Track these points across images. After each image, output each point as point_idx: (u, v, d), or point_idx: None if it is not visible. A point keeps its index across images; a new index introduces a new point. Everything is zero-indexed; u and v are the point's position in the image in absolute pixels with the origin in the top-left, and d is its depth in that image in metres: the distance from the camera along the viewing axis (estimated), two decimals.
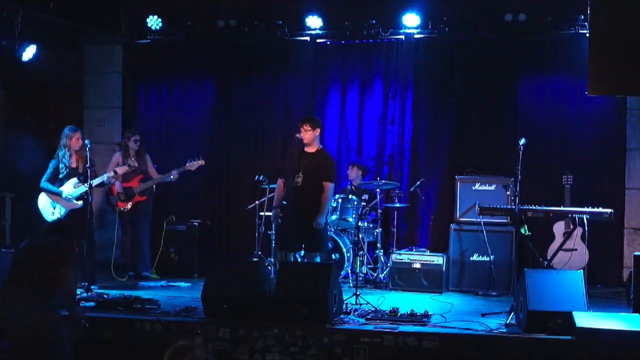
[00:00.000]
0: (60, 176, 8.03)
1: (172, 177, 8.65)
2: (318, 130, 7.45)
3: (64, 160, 8.05)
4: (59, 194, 7.99)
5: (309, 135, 7.35)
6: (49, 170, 8.09)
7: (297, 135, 7.41)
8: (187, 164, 8.66)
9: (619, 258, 8.84)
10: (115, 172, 8.29)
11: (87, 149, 7.92)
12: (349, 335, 6.05)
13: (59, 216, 8.03)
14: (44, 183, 8.06)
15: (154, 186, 8.83)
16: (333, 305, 6.33)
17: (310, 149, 7.41)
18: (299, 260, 7.72)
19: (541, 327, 5.91)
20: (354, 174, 9.19)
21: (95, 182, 8.01)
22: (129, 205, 8.67)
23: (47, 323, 3.42)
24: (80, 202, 7.78)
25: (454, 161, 9.27)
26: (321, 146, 7.56)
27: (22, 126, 9.87)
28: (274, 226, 8.56)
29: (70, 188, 7.94)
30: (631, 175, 8.89)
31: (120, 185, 8.62)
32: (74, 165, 7.93)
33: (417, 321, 6.35)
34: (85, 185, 7.78)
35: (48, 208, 8.07)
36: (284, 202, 7.50)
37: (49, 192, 8.04)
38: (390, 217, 9.08)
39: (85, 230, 7.85)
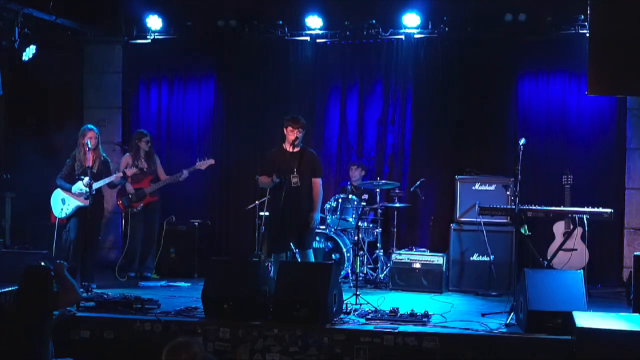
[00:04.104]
0: (76, 174, 8.07)
1: (182, 176, 8.70)
2: (305, 131, 7.56)
3: (78, 158, 8.08)
4: (69, 190, 8.04)
5: (301, 137, 7.46)
6: (64, 167, 8.22)
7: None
8: (198, 163, 8.71)
9: (619, 258, 8.83)
10: (124, 172, 8.33)
11: (88, 149, 7.93)
12: (349, 335, 6.05)
13: (66, 214, 8.06)
14: (58, 179, 8.19)
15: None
16: (333, 305, 6.33)
17: (296, 149, 7.46)
18: (299, 259, 7.74)
19: (541, 327, 5.92)
20: (357, 174, 9.19)
21: (103, 182, 8.04)
22: (141, 206, 8.69)
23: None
24: (88, 201, 7.78)
25: (454, 161, 9.25)
26: (302, 144, 7.61)
27: (22, 126, 9.86)
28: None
29: (81, 185, 7.97)
30: (631, 175, 8.89)
31: (131, 187, 8.63)
32: (89, 163, 7.92)
33: (417, 321, 6.35)
34: (97, 183, 7.82)
35: (58, 204, 8.17)
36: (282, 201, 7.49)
37: (62, 188, 8.11)
38: (390, 217, 9.08)
39: (87, 229, 7.88)
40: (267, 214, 7.88)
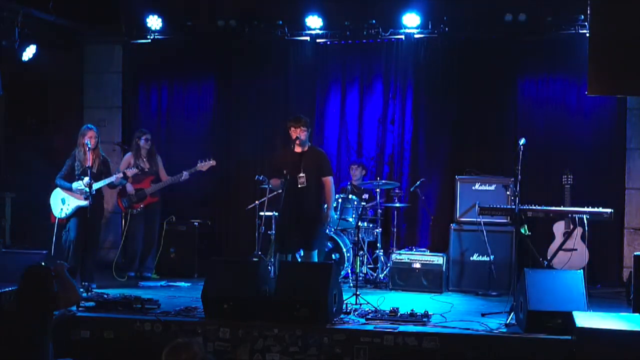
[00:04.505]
0: (76, 174, 8.07)
1: (183, 177, 8.68)
2: (310, 130, 7.53)
3: (78, 157, 8.09)
4: (69, 189, 8.05)
5: (304, 135, 7.41)
6: (64, 168, 8.21)
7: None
8: (199, 164, 8.69)
9: (619, 258, 8.83)
10: (124, 173, 8.33)
11: (88, 148, 7.94)
12: (349, 335, 6.05)
13: (66, 214, 8.07)
14: (57, 179, 8.18)
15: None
16: (333, 305, 6.33)
17: (303, 149, 7.44)
18: (299, 259, 7.74)
19: (541, 327, 5.92)
20: (358, 173, 9.19)
21: (103, 182, 8.05)
22: (141, 207, 8.68)
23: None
24: (87, 201, 7.78)
25: (454, 161, 9.26)
26: (309, 143, 7.58)
27: (22, 126, 9.86)
28: (274, 226, 8.59)
29: (81, 185, 7.98)
30: (631, 175, 8.89)
31: (131, 187, 8.63)
32: (89, 163, 7.93)
33: (417, 321, 6.35)
34: (97, 183, 7.81)
35: (57, 204, 8.17)
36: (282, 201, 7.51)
37: (62, 188, 8.11)
38: (390, 217, 9.08)
39: (86, 228, 7.87)
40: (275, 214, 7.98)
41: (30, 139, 9.62)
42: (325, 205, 7.63)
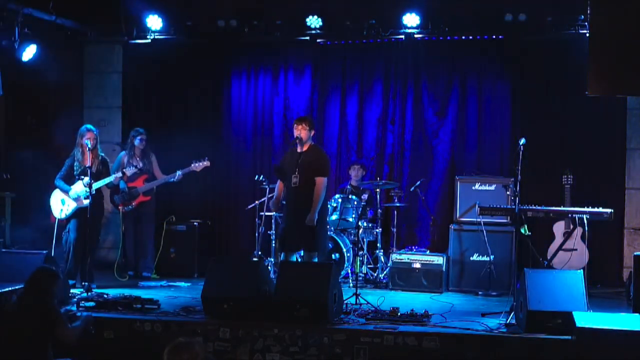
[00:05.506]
0: (75, 174, 8.07)
1: (176, 177, 8.66)
2: (313, 131, 7.47)
3: (77, 158, 8.09)
4: (67, 192, 8.04)
5: (305, 134, 7.35)
6: (63, 168, 8.21)
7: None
8: (193, 165, 8.67)
9: (619, 258, 8.84)
10: (123, 172, 8.34)
11: (87, 148, 7.94)
12: (349, 335, 6.06)
13: (66, 215, 8.07)
14: (57, 180, 8.18)
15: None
16: (333, 305, 6.33)
17: (304, 148, 7.42)
18: (299, 260, 7.73)
19: (541, 327, 5.93)
20: (358, 173, 9.18)
21: (102, 182, 8.05)
22: (133, 205, 8.68)
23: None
24: (88, 201, 7.77)
25: (454, 161, 9.27)
26: (313, 143, 7.56)
27: (22, 126, 9.86)
28: (274, 226, 8.59)
29: (81, 186, 7.98)
30: (631, 175, 8.90)
31: (124, 184, 8.62)
32: (88, 163, 7.93)
33: (417, 321, 6.35)
34: (96, 183, 7.81)
35: (57, 205, 8.17)
36: (283, 202, 7.53)
37: (61, 190, 8.10)
38: (390, 217, 9.08)
39: (86, 228, 7.87)
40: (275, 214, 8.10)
41: (30, 139, 9.62)
42: (321, 206, 7.35)
